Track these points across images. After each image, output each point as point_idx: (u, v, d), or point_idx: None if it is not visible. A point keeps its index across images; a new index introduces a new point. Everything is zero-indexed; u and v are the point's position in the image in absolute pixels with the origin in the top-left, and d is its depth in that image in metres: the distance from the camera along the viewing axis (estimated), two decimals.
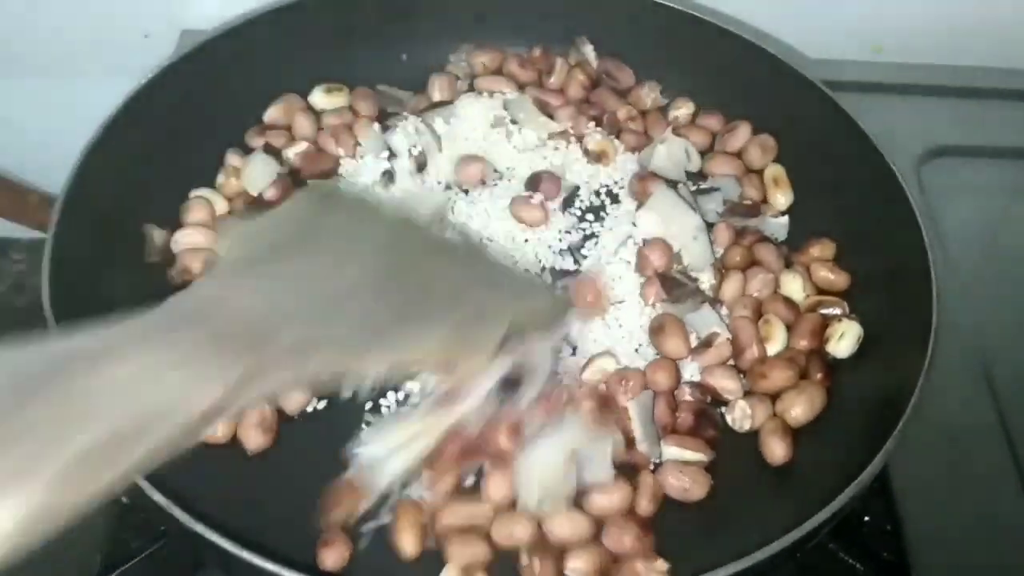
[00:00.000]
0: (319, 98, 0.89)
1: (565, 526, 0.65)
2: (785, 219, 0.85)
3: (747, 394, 0.74)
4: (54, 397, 0.33)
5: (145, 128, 0.77)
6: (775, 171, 0.87)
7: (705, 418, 0.72)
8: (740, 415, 0.72)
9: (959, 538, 0.72)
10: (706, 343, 0.75)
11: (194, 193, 0.82)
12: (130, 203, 0.77)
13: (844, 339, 0.75)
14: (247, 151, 0.85)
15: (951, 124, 1.03)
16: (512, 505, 0.66)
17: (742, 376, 0.75)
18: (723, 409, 0.74)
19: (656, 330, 0.75)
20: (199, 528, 0.56)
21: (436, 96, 0.90)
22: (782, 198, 0.86)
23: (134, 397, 0.35)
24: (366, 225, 0.58)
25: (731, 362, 0.76)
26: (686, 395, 0.73)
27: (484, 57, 0.92)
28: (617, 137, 0.89)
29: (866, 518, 0.72)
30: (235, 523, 0.60)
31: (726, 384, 0.74)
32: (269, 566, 0.55)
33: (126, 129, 0.76)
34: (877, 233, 0.79)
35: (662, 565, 0.63)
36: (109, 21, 0.99)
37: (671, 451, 0.70)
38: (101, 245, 0.74)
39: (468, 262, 0.63)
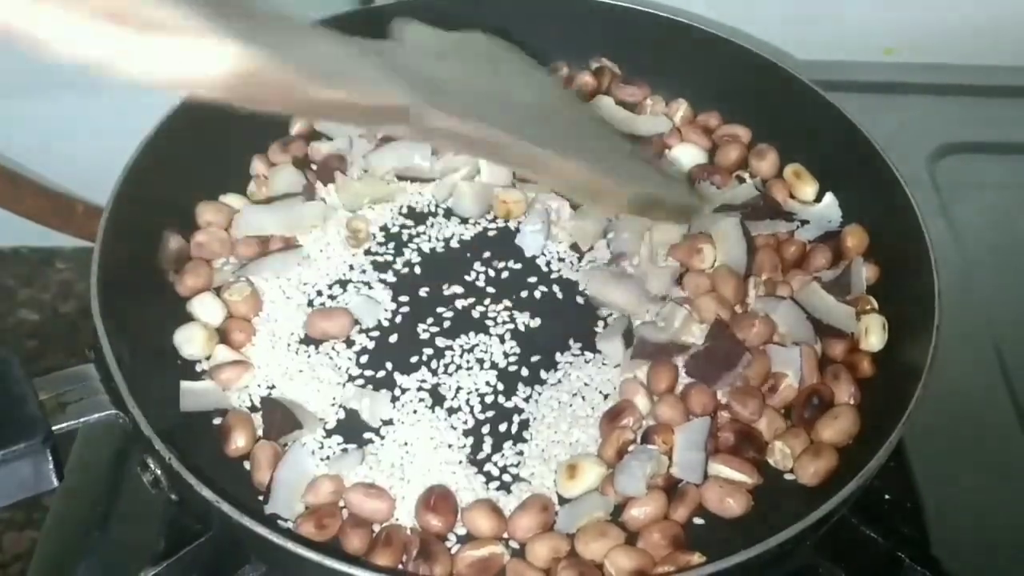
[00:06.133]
0: None
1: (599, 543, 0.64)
2: (832, 198, 0.85)
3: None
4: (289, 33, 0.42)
5: (188, 140, 0.78)
6: (792, 168, 0.87)
7: (747, 440, 0.70)
8: (780, 456, 0.69)
9: (977, 513, 0.74)
10: (772, 386, 0.73)
11: (222, 199, 0.83)
12: (173, 212, 0.79)
13: (871, 334, 0.75)
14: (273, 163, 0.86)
15: (963, 122, 1.05)
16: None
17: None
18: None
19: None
20: (246, 521, 0.58)
21: None
22: (809, 189, 0.85)
23: (336, 61, 0.45)
24: (535, 74, 0.67)
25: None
26: (726, 418, 0.71)
27: None
28: None
29: (887, 496, 0.72)
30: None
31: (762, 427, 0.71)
32: (313, 556, 0.57)
33: (170, 141, 0.77)
34: (880, 227, 0.80)
35: (699, 559, 0.62)
36: None
37: (718, 468, 0.68)
38: (145, 254, 0.76)
39: (617, 135, 0.73)
